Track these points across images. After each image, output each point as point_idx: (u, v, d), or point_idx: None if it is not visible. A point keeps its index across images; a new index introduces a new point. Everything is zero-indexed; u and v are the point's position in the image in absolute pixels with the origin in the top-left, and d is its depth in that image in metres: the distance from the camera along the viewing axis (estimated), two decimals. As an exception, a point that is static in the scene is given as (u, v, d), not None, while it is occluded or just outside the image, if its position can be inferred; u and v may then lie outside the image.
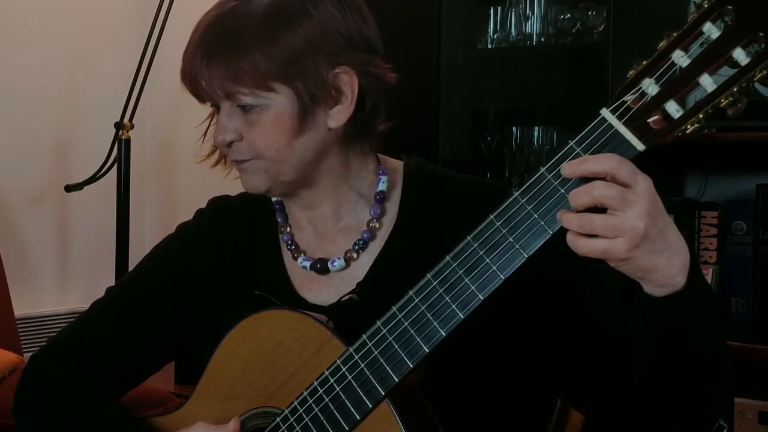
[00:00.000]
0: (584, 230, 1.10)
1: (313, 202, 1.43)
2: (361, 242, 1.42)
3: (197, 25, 1.36)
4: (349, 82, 1.34)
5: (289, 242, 1.46)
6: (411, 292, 1.23)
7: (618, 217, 1.09)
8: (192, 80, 1.35)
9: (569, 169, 1.12)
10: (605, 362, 1.29)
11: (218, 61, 1.31)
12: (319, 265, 1.42)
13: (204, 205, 1.56)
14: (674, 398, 1.24)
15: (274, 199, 1.49)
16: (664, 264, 1.13)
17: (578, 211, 1.11)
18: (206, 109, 1.44)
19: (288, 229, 1.47)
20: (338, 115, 1.35)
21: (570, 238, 1.12)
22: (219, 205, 1.54)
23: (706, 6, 1.08)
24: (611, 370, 1.29)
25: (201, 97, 1.37)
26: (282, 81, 1.31)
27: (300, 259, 1.44)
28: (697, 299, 1.17)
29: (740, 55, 1.07)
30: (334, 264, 1.42)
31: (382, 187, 1.43)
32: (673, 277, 1.14)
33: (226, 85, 1.32)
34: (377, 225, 1.42)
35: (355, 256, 1.42)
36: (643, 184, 1.10)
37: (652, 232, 1.10)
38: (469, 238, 1.19)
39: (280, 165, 1.36)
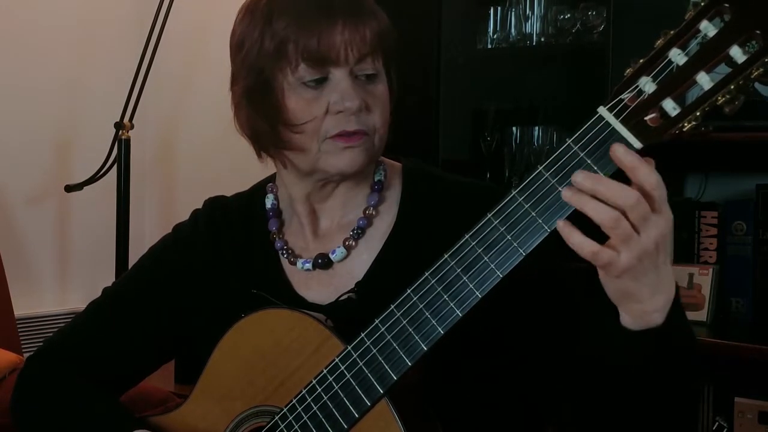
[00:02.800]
0: (608, 223, 1.08)
1: (328, 195, 1.43)
2: (357, 229, 1.42)
3: None
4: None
5: (283, 251, 1.46)
6: (409, 291, 1.23)
7: (635, 233, 1.08)
8: (325, 41, 1.32)
9: (627, 158, 1.08)
10: (593, 363, 1.29)
11: (369, 20, 1.35)
12: (320, 260, 1.42)
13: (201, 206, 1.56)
14: (649, 407, 1.23)
15: (268, 205, 1.49)
16: (647, 297, 1.13)
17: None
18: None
19: (282, 236, 1.47)
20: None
21: (576, 238, 1.10)
22: (215, 205, 1.54)
23: (703, 4, 1.08)
24: (596, 372, 1.28)
25: (319, 60, 1.33)
26: (397, 56, 1.39)
27: (299, 263, 1.44)
28: (669, 338, 1.16)
29: (737, 53, 1.07)
30: (335, 254, 1.42)
31: (378, 176, 1.44)
32: (651, 313, 1.14)
33: (377, 44, 1.35)
34: (374, 213, 1.43)
35: (353, 243, 1.42)
36: (668, 215, 1.10)
37: (649, 260, 1.10)
38: (467, 236, 1.19)
39: (382, 143, 1.38)
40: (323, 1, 1.34)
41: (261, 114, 1.37)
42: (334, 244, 1.43)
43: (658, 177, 1.09)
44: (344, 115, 1.33)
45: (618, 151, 1.08)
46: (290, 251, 1.46)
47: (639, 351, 1.16)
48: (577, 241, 1.10)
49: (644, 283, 1.11)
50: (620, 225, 1.08)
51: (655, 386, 1.20)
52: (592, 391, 1.27)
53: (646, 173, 1.08)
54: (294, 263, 1.45)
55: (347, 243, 1.42)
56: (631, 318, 1.15)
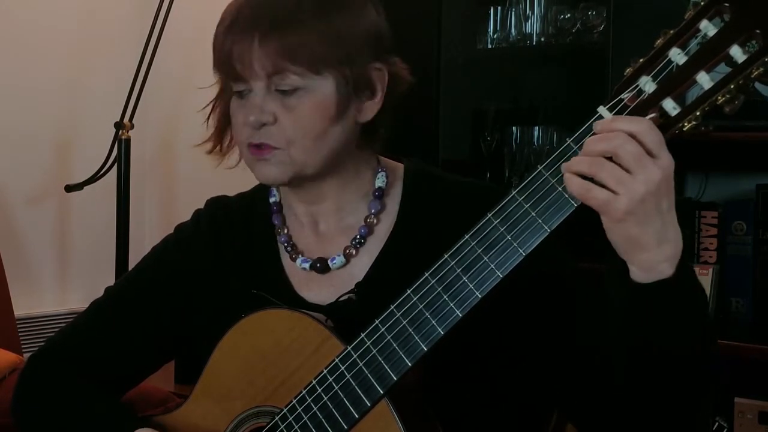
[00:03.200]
0: (590, 170, 1.09)
1: (317, 197, 1.43)
2: (359, 238, 1.42)
3: (245, 1, 1.35)
4: (381, 79, 1.37)
5: (287, 244, 1.46)
6: (409, 291, 1.23)
7: (627, 174, 1.08)
8: (233, 56, 1.33)
9: (600, 125, 1.11)
10: (596, 365, 1.29)
11: (273, 37, 1.31)
12: (318, 264, 1.42)
13: (203, 206, 1.56)
14: (654, 401, 1.22)
15: (272, 200, 1.49)
16: (654, 246, 1.12)
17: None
18: (207, 108, 1.44)
19: (285, 230, 1.47)
20: (368, 110, 1.38)
21: (575, 183, 1.11)
22: (217, 205, 1.54)
23: (702, 4, 1.08)
24: (600, 374, 1.28)
25: (234, 76, 1.35)
26: (332, 65, 1.32)
27: (299, 261, 1.44)
28: (681, 292, 1.15)
29: (737, 53, 1.07)
30: (334, 261, 1.42)
31: (379, 183, 1.44)
32: (660, 263, 1.13)
33: (279, 62, 1.31)
34: (375, 221, 1.43)
35: (354, 252, 1.42)
36: (666, 159, 1.09)
37: (651, 204, 1.09)
38: (467, 236, 1.20)
39: (310, 155, 1.35)
40: (244, 11, 1.34)
41: (217, 113, 1.44)
42: (334, 249, 1.43)
43: (646, 123, 1.09)
44: (249, 128, 1.36)
45: (596, 127, 1.11)
46: (293, 246, 1.46)
47: (651, 306, 1.15)
48: (575, 185, 1.11)
49: (650, 229, 1.10)
50: (603, 168, 1.08)
51: (669, 352, 1.17)
52: (599, 379, 1.26)
53: (626, 122, 1.09)
54: (294, 260, 1.45)
55: (347, 251, 1.42)
56: (640, 270, 1.14)
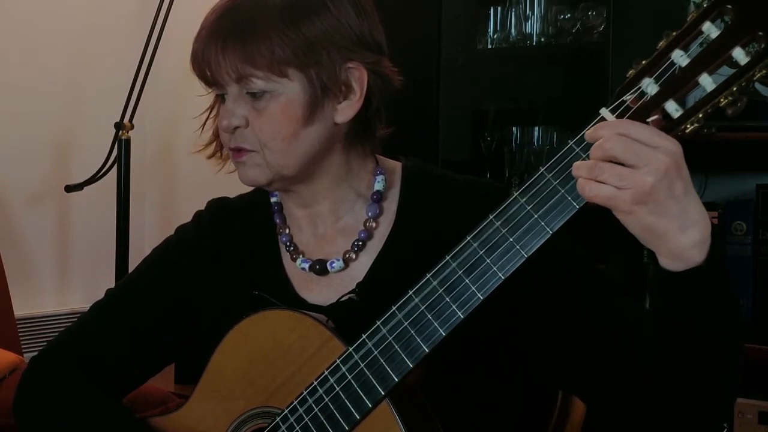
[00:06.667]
0: (592, 176, 1.09)
1: (311, 199, 1.44)
2: (359, 243, 1.42)
3: (212, 10, 1.37)
4: (359, 78, 1.36)
5: (288, 243, 1.46)
6: (410, 292, 1.23)
7: (629, 169, 1.08)
8: (204, 63, 1.36)
9: (588, 136, 1.11)
10: (608, 358, 1.29)
11: (234, 43, 1.32)
12: (317, 266, 1.42)
13: (203, 206, 1.56)
14: (682, 389, 1.21)
15: (273, 200, 1.50)
16: (676, 232, 1.11)
17: None
18: (207, 106, 1.45)
19: (287, 230, 1.47)
20: (346, 110, 1.37)
21: (579, 183, 1.11)
22: (218, 207, 1.54)
23: (705, 5, 1.08)
24: (614, 366, 1.28)
25: (209, 82, 1.38)
26: (297, 67, 1.33)
27: (299, 261, 1.44)
28: (714, 279, 1.14)
29: (740, 55, 1.07)
30: (333, 265, 1.42)
31: (378, 186, 1.44)
32: (687, 249, 1.12)
33: (240, 67, 1.32)
34: (374, 225, 1.43)
35: (353, 256, 1.42)
36: (670, 144, 1.09)
37: (662, 192, 1.08)
38: (468, 237, 1.20)
39: (284, 156, 1.36)
40: (215, 21, 1.35)
41: (215, 119, 1.45)
42: (333, 250, 1.43)
43: (626, 122, 1.09)
44: (226, 132, 1.38)
45: (588, 136, 1.11)
46: (294, 246, 1.46)
47: (684, 294, 1.14)
48: (578, 185, 1.11)
49: (668, 217, 1.10)
50: (603, 170, 1.09)
51: (701, 338, 1.17)
52: (626, 367, 1.25)
53: (610, 127, 1.09)
54: (295, 260, 1.45)
55: (347, 255, 1.42)
56: (668, 259, 1.13)
